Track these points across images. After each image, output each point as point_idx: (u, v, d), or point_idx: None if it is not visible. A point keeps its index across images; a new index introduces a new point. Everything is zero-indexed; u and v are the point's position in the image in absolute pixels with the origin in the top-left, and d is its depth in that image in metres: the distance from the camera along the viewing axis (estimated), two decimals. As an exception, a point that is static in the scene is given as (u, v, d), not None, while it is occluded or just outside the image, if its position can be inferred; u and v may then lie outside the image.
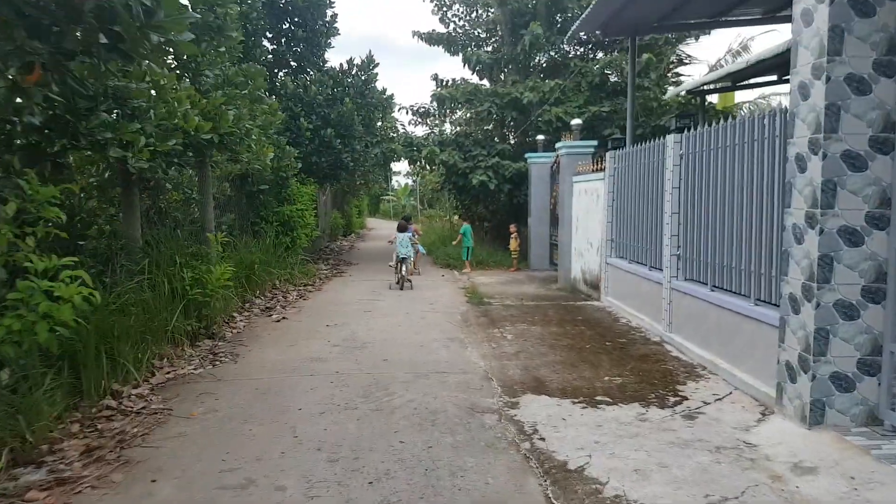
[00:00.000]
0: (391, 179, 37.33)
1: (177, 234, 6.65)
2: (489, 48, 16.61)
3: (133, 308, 4.91)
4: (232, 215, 10.00)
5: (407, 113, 16.33)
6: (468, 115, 16.79)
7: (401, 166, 35.93)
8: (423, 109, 16.55)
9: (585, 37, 14.77)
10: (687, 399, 4.23)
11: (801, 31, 3.71)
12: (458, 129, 17.50)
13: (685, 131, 5.80)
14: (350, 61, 14.45)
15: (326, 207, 19.83)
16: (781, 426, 3.66)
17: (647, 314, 6.59)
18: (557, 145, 10.91)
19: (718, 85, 10.91)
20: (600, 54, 15.11)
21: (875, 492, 2.83)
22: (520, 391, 4.43)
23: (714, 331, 5.01)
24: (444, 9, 16.97)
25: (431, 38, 16.56)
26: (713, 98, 12.62)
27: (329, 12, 14.16)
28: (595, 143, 10.60)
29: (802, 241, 3.67)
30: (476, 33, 17.12)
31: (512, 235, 12.50)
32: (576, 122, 11.02)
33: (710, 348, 5.06)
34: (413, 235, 10.61)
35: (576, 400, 4.22)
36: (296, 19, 13.84)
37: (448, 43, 16.58)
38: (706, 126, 5.38)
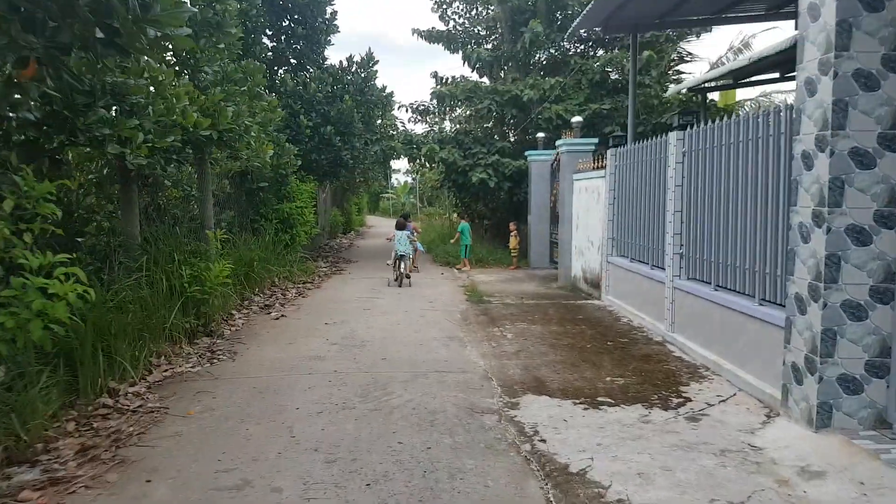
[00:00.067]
0: (391, 177, 37.31)
1: (175, 231, 6.60)
2: (489, 46, 16.54)
3: (131, 305, 4.86)
4: (231, 212, 9.95)
5: (407, 111, 16.30)
6: (468, 112, 16.73)
7: (400, 164, 35.88)
8: (422, 107, 16.49)
9: (586, 34, 14.73)
10: (690, 400, 4.18)
11: (808, 26, 3.65)
12: (458, 126, 17.44)
13: (688, 128, 5.74)
14: (350, 59, 14.40)
15: (326, 205, 19.78)
16: (787, 429, 3.61)
17: (649, 313, 6.54)
18: (558, 143, 10.85)
19: (720, 82, 10.85)
20: (601, 52, 15.05)
21: (886, 497, 2.77)
22: (520, 391, 4.38)
23: (717, 331, 4.96)
24: (444, 6, 16.90)
25: (431, 36, 16.48)
26: (714, 96, 12.55)
27: (329, 9, 14.11)
28: (596, 140, 10.54)
29: (809, 239, 3.61)
30: (476, 31, 17.06)
31: (512, 233, 12.45)
32: (576, 119, 10.96)
33: (714, 349, 5.01)
34: (412, 233, 10.58)
35: (577, 401, 4.16)
36: (296, 16, 13.79)
37: (448, 41, 16.51)
38: (708, 123, 5.32)
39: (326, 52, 14.74)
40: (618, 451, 3.30)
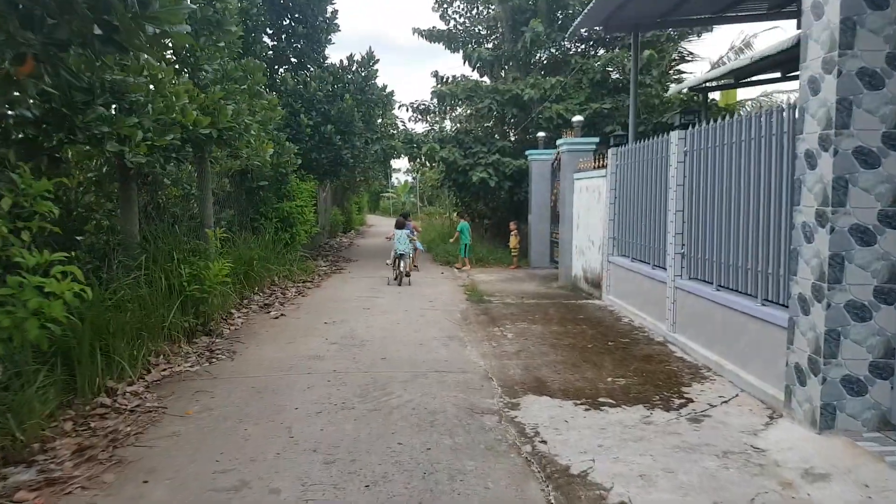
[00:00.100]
0: (391, 176, 37.26)
1: (175, 229, 6.58)
2: (490, 45, 16.51)
3: (129, 304, 4.84)
4: (231, 211, 9.92)
5: (407, 110, 16.28)
6: (468, 111, 16.70)
7: (401, 163, 35.85)
8: (423, 106, 16.46)
9: (587, 33, 14.71)
10: (692, 401, 4.15)
11: (812, 24, 3.61)
12: (459, 126, 17.41)
13: (690, 127, 5.71)
14: (350, 58, 14.38)
15: (326, 204, 19.76)
16: (790, 430, 3.58)
17: (651, 313, 6.51)
18: (558, 142, 10.82)
19: (721, 82, 10.81)
20: (601, 51, 15.03)
21: (891, 500, 2.74)
22: (520, 392, 4.35)
23: (719, 331, 4.93)
24: (445, 6, 16.87)
25: (432, 35, 16.45)
26: (715, 95, 12.53)
27: (329, 8, 14.09)
28: (596, 139, 10.51)
29: (812, 239, 3.58)
30: (477, 30, 17.02)
31: (512, 233, 12.43)
32: (577, 118, 10.93)
33: (716, 349, 4.98)
34: (411, 232, 10.58)
35: (578, 401, 4.13)
36: (296, 15, 13.77)
37: (448, 40, 16.47)
38: (710, 122, 5.29)
39: (327, 52, 14.74)
40: (619, 453, 3.28)
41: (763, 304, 4.35)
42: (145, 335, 4.78)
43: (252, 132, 7.47)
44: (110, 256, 5.49)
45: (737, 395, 4.27)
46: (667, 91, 13.12)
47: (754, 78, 10.43)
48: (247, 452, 3.28)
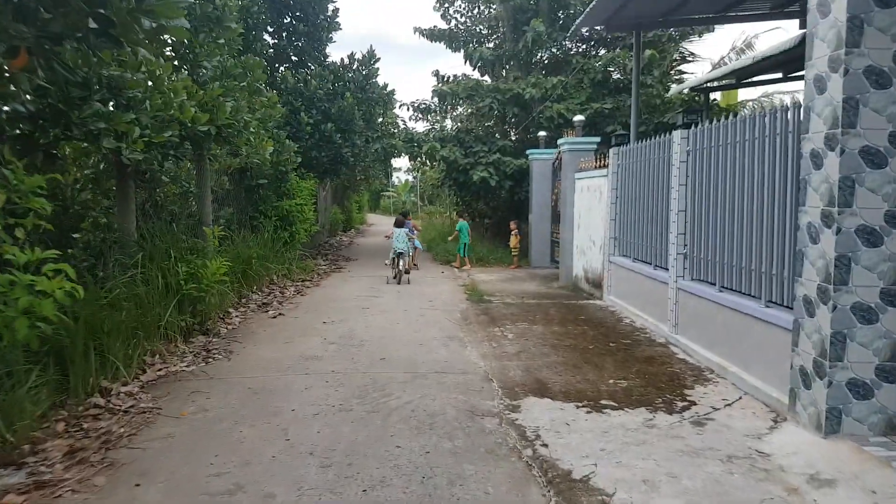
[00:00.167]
0: (392, 175, 37.19)
1: (172, 227, 6.52)
2: (491, 45, 16.45)
3: (125, 303, 4.78)
4: (230, 209, 9.87)
5: (408, 109, 16.20)
6: (469, 111, 16.65)
7: (401, 162, 35.77)
8: (423, 105, 16.40)
9: (588, 33, 14.67)
10: (695, 404, 4.09)
11: (818, 22, 3.56)
12: (459, 125, 17.37)
13: (692, 127, 5.65)
14: (351, 56, 14.33)
15: (326, 203, 19.71)
16: (795, 434, 3.52)
17: (652, 314, 6.46)
18: (559, 141, 10.77)
19: (722, 82, 10.77)
20: (602, 51, 14.99)
21: (898, 507, 2.69)
22: (521, 393, 4.29)
23: (722, 333, 4.87)
24: (446, 5, 16.80)
25: (433, 35, 16.39)
26: (716, 96, 12.49)
27: (331, 7, 14.04)
28: (598, 139, 10.46)
29: (818, 240, 3.53)
30: (478, 30, 16.96)
31: (512, 232, 12.38)
32: (578, 118, 10.88)
33: (718, 351, 4.92)
34: (411, 231, 10.55)
35: (580, 404, 4.08)
36: (297, 13, 13.71)
37: (450, 39, 16.41)
38: (713, 122, 5.24)
39: (328, 50, 14.69)
40: (622, 457, 3.22)
41: (767, 306, 4.30)
42: (141, 334, 4.72)
43: (251, 129, 7.41)
44: (106, 254, 5.42)
45: (740, 398, 4.21)
46: (668, 91, 13.07)
47: (756, 78, 10.38)
48: (242, 455, 3.22)
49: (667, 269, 6.07)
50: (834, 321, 3.39)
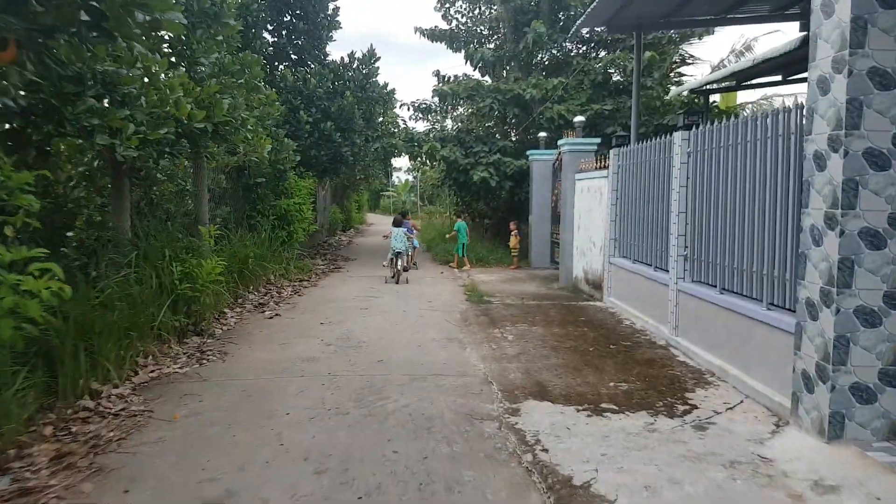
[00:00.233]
0: (391, 175, 37.13)
1: (168, 226, 6.44)
2: (492, 45, 16.40)
3: (118, 303, 4.70)
4: (227, 208, 9.79)
5: (408, 109, 16.13)
6: (470, 111, 16.60)
7: (401, 162, 35.73)
8: (424, 105, 16.34)
9: (588, 34, 14.64)
10: (697, 408, 4.03)
11: (821, 23, 3.51)
12: (460, 125, 17.32)
13: (693, 128, 5.61)
14: (351, 55, 14.27)
15: (325, 202, 19.64)
16: (798, 439, 3.46)
17: (652, 316, 6.40)
18: (560, 142, 10.72)
19: (722, 84, 10.74)
20: (603, 53, 14.97)
21: (904, 515, 2.63)
22: (521, 396, 4.23)
23: (723, 335, 4.82)
24: (447, 6, 16.75)
25: (434, 35, 16.33)
26: (716, 98, 12.48)
27: (331, 5, 13.98)
28: (598, 140, 10.43)
29: (821, 242, 3.47)
30: (479, 30, 16.91)
31: (512, 233, 12.34)
32: (578, 119, 10.83)
33: (719, 353, 4.87)
34: (409, 230, 10.52)
35: (580, 407, 4.01)
36: (297, 11, 13.64)
37: (450, 40, 16.35)
38: (714, 123, 5.19)
39: (328, 49, 14.62)
40: (623, 462, 3.16)
41: (768, 309, 4.25)
42: (133, 335, 4.64)
43: (249, 127, 7.33)
44: (100, 253, 5.34)
45: (741, 402, 4.16)
46: (668, 93, 13.05)
47: (755, 81, 10.36)
48: (235, 460, 3.15)
49: (667, 271, 6.02)
50: (837, 324, 3.33)
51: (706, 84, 10.72)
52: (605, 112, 13.01)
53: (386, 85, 14.92)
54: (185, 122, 5.56)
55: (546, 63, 15.68)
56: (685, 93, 11.94)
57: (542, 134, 12.73)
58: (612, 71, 13.80)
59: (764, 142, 4.38)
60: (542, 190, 12.23)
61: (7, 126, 4.32)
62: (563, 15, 14.85)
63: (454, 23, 16.87)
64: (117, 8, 3.10)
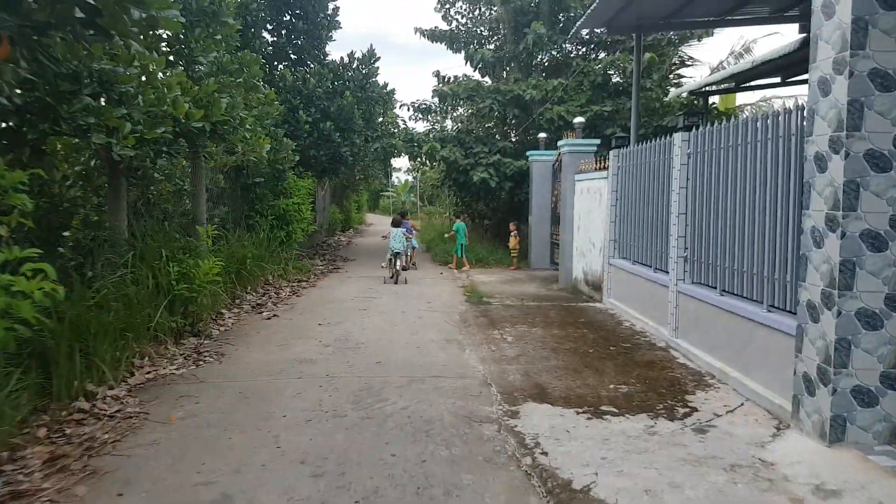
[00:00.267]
0: (391, 175, 37.11)
1: (165, 226, 6.40)
2: (492, 46, 16.39)
3: (114, 303, 4.66)
4: (225, 208, 9.75)
5: (408, 109, 16.12)
6: (469, 111, 16.58)
7: (401, 162, 35.75)
8: (424, 105, 16.32)
9: (588, 36, 14.63)
10: (697, 410, 4.00)
11: (822, 25, 3.49)
12: (460, 125, 17.30)
13: (693, 129, 5.59)
14: (351, 55, 14.25)
15: (325, 202, 19.62)
16: (799, 443, 3.44)
17: (652, 318, 6.38)
18: (560, 143, 10.70)
19: (721, 86, 10.73)
20: (602, 54, 14.97)
21: (907, 520, 2.61)
22: (520, 399, 4.20)
23: (723, 337, 4.79)
24: (447, 6, 16.74)
25: (434, 36, 16.31)
26: (715, 99, 12.48)
27: (331, 5, 13.96)
28: (598, 141, 10.42)
29: (822, 244, 3.45)
30: (479, 31, 16.90)
31: (512, 233, 12.32)
32: (578, 120, 10.82)
33: (719, 355, 4.84)
34: (408, 231, 10.51)
35: (580, 410, 3.98)
36: (297, 11, 13.62)
37: (450, 40, 16.34)
38: (714, 125, 5.17)
39: (327, 49, 14.59)
40: (623, 466, 3.13)
41: (769, 311, 4.22)
42: (129, 336, 4.60)
43: (247, 127, 7.30)
44: (96, 253, 5.31)
45: (742, 404, 4.13)
46: (667, 95, 13.05)
47: (754, 82, 10.35)
48: (231, 463, 3.11)
49: (667, 272, 6.00)
50: (838, 327, 3.31)
51: (705, 86, 10.71)
52: (605, 113, 13.01)
53: (386, 85, 14.91)
54: (183, 121, 5.52)
55: (546, 64, 15.67)
56: (684, 94, 11.94)
57: (542, 135, 12.72)
58: (611, 72, 13.80)
59: (764, 143, 4.35)
60: (541, 191, 12.21)
61: (2, 124, 4.28)
62: (563, 16, 14.86)
63: (454, 23, 16.87)
64: (112, 4, 3.07)
